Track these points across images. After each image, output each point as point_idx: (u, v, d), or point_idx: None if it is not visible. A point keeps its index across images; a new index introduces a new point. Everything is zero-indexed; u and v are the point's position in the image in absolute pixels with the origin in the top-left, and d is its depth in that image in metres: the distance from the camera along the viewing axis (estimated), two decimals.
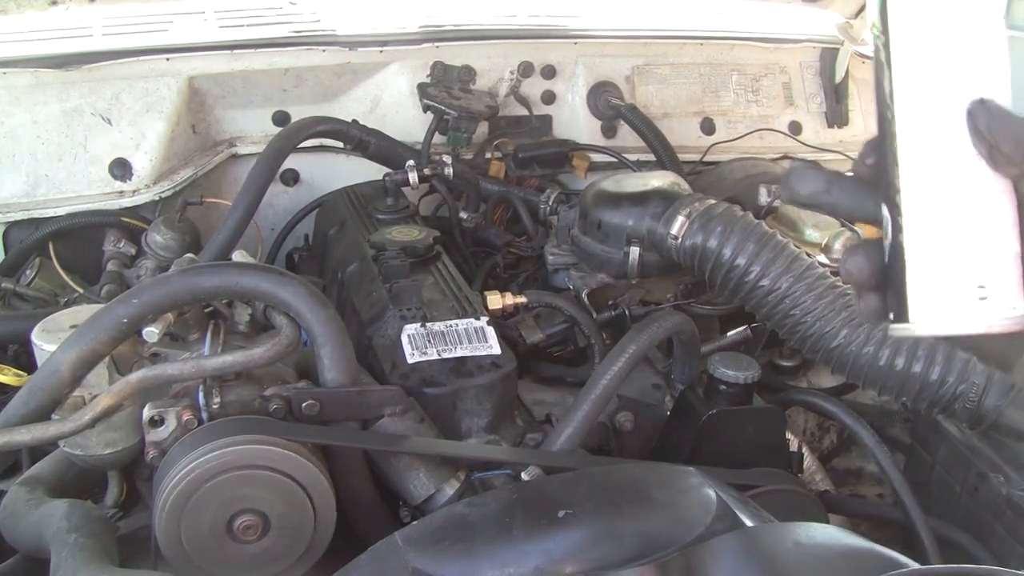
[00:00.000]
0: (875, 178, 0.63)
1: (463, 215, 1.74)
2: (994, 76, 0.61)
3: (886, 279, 0.63)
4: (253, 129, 1.87)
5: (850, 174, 0.66)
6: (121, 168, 1.68)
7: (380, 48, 1.87)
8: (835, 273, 1.28)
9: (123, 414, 1.01)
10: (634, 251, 1.40)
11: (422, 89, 1.86)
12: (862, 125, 2.18)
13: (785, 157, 2.06)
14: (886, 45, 0.61)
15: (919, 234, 0.61)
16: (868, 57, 2.11)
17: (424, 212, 1.83)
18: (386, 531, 0.89)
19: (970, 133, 0.59)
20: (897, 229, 0.62)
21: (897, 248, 0.62)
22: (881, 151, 0.62)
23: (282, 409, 1.01)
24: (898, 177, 0.61)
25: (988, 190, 0.60)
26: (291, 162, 1.79)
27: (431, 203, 1.88)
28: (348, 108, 1.88)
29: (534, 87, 1.99)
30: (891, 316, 0.62)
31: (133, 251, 1.65)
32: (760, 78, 2.13)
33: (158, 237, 1.57)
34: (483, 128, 1.94)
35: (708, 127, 2.08)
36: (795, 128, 2.13)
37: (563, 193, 1.77)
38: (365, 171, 1.82)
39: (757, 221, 1.29)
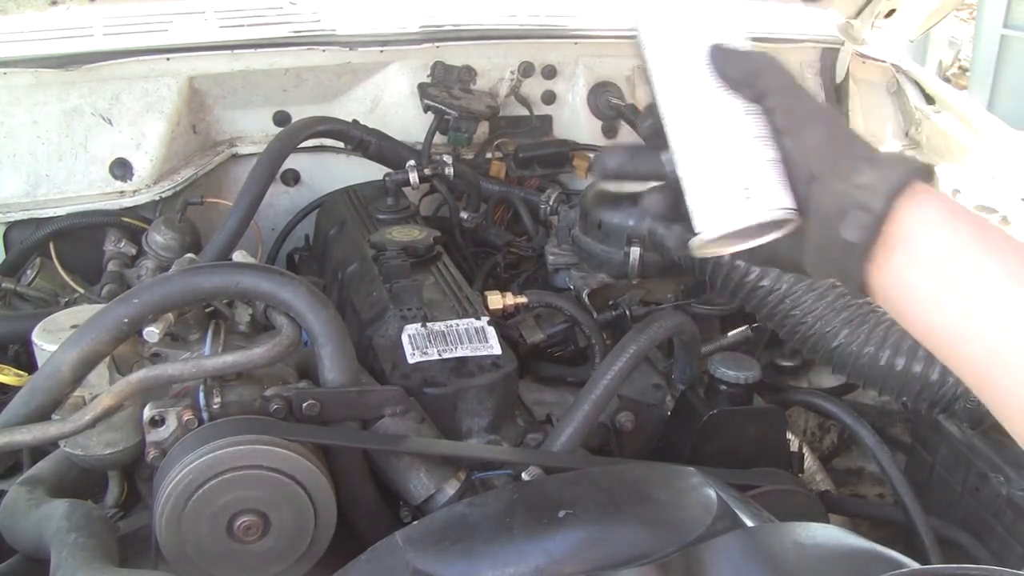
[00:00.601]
0: (656, 137, 0.76)
1: (464, 215, 1.74)
2: (725, 31, 0.75)
3: (682, 211, 0.75)
4: (253, 129, 1.86)
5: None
6: (121, 168, 1.68)
7: (380, 48, 1.87)
8: None
9: (124, 414, 1.01)
10: (634, 251, 1.40)
11: (422, 89, 1.86)
12: (863, 125, 2.18)
13: None
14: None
15: (687, 161, 0.74)
16: (869, 57, 2.11)
17: (425, 212, 1.82)
18: (386, 531, 0.89)
19: (711, 70, 0.72)
20: (674, 164, 0.75)
21: (678, 180, 0.75)
22: (655, 112, 0.76)
23: (283, 409, 1.01)
24: (665, 124, 0.75)
25: (734, 113, 0.72)
26: (291, 162, 1.78)
27: (432, 203, 1.88)
28: (348, 108, 1.88)
29: (534, 87, 1.99)
30: (692, 238, 0.74)
31: (134, 251, 1.64)
32: None
33: (159, 237, 1.56)
34: (484, 128, 1.94)
35: None
36: None
37: (564, 193, 1.77)
38: (365, 171, 1.82)
39: None
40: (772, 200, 0.71)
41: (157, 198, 1.69)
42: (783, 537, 0.81)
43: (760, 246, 0.73)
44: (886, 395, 1.22)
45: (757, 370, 1.24)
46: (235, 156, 1.84)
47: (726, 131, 0.72)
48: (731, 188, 0.71)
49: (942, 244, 0.67)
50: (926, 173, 0.70)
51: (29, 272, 1.59)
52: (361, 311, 1.30)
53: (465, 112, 1.80)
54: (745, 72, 0.72)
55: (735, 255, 0.76)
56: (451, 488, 1.05)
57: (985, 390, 0.67)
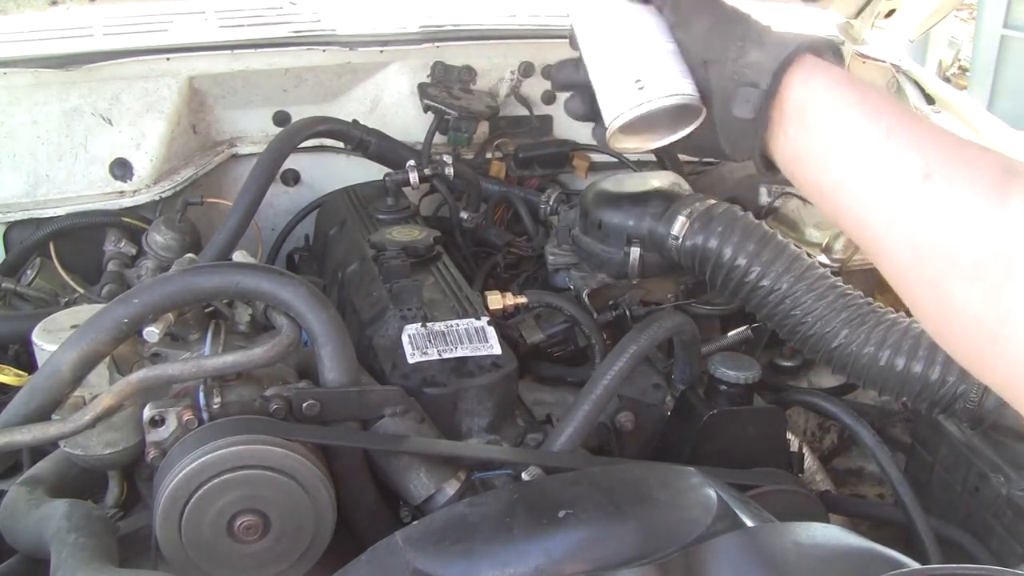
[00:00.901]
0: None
1: (464, 215, 1.74)
2: None
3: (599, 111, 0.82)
4: (253, 129, 1.86)
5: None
6: (121, 168, 1.68)
7: (380, 48, 1.87)
8: (836, 273, 1.28)
9: (124, 414, 1.01)
10: (634, 251, 1.40)
11: (422, 89, 1.86)
12: None
13: None
14: None
15: (591, 61, 0.81)
16: (869, 57, 2.11)
17: (425, 212, 1.82)
18: (386, 531, 0.89)
19: None
20: (585, 68, 0.82)
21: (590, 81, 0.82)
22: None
23: (283, 409, 1.01)
24: (574, 33, 0.83)
25: (625, 13, 0.80)
26: (291, 162, 1.78)
27: (432, 203, 1.87)
28: (348, 108, 1.88)
29: (535, 87, 1.99)
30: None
31: (134, 251, 1.64)
32: None
33: (159, 237, 1.56)
34: (484, 128, 1.94)
35: None
36: None
37: (564, 193, 1.77)
38: (365, 171, 1.82)
39: (758, 221, 1.29)
40: (664, 87, 0.76)
41: (157, 198, 1.69)
42: (783, 537, 0.81)
43: (685, 137, 0.80)
44: (886, 395, 1.22)
45: (757, 370, 1.24)
46: (235, 156, 1.84)
47: (618, 31, 0.79)
48: (625, 80, 0.77)
49: (827, 109, 0.71)
50: (821, 46, 0.75)
51: (29, 272, 1.59)
52: (361, 311, 1.30)
53: (465, 112, 1.80)
54: None
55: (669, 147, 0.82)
56: (451, 488, 1.05)
57: (866, 240, 0.70)
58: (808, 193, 0.76)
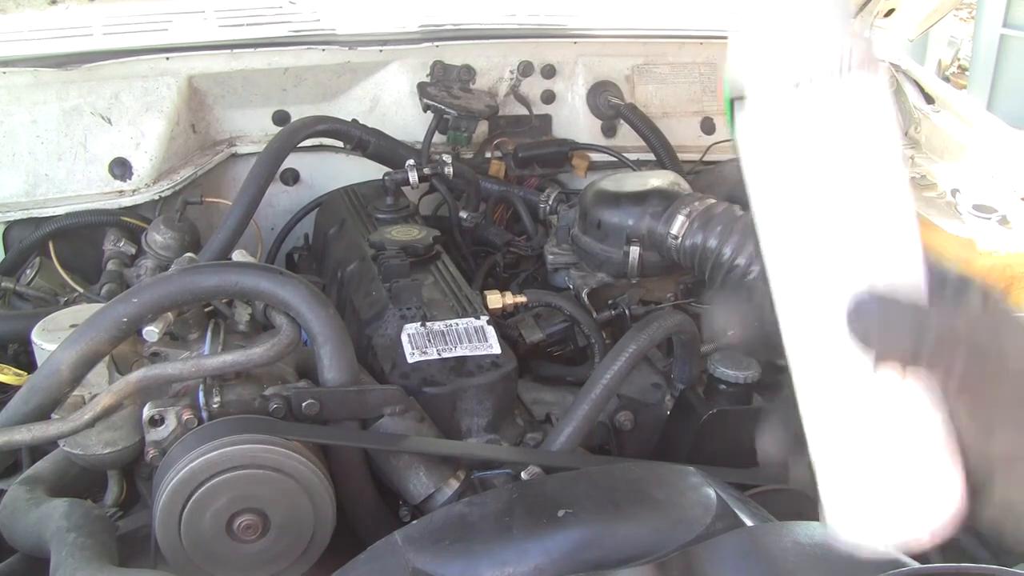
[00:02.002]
0: None
1: (463, 214, 1.74)
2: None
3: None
4: (253, 129, 1.87)
5: None
6: (121, 167, 1.68)
7: (380, 47, 1.87)
8: None
9: (123, 413, 1.01)
10: (634, 250, 1.40)
11: (422, 88, 1.86)
12: None
13: None
14: None
15: (819, 447, 0.51)
16: None
17: (424, 212, 1.83)
18: (386, 531, 0.89)
19: (853, 334, 0.44)
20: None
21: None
22: None
23: (282, 408, 1.01)
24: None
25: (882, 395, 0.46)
26: (291, 162, 1.79)
27: (431, 203, 1.88)
28: (348, 108, 1.88)
29: (534, 86, 1.99)
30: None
31: (133, 250, 1.65)
32: None
33: (158, 236, 1.56)
34: (483, 127, 1.94)
35: (708, 127, 2.08)
36: None
37: (563, 192, 1.77)
38: (365, 171, 1.82)
39: None
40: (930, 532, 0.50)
41: (156, 197, 1.69)
42: (783, 537, 0.81)
43: None
44: None
45: (757, 370, 1.24)
46: (234, 155, 1.84)
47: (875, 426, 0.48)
48: (877, 511, 0.51)
49: None
50: None
51: (28, 271, 1.59)
52: (361, 310, 1.30)
53: (464, 111, 1.80)
54: (901, 350, 0.44)
55: None
56: (450, 488, 1.05)
57: None
58: None
